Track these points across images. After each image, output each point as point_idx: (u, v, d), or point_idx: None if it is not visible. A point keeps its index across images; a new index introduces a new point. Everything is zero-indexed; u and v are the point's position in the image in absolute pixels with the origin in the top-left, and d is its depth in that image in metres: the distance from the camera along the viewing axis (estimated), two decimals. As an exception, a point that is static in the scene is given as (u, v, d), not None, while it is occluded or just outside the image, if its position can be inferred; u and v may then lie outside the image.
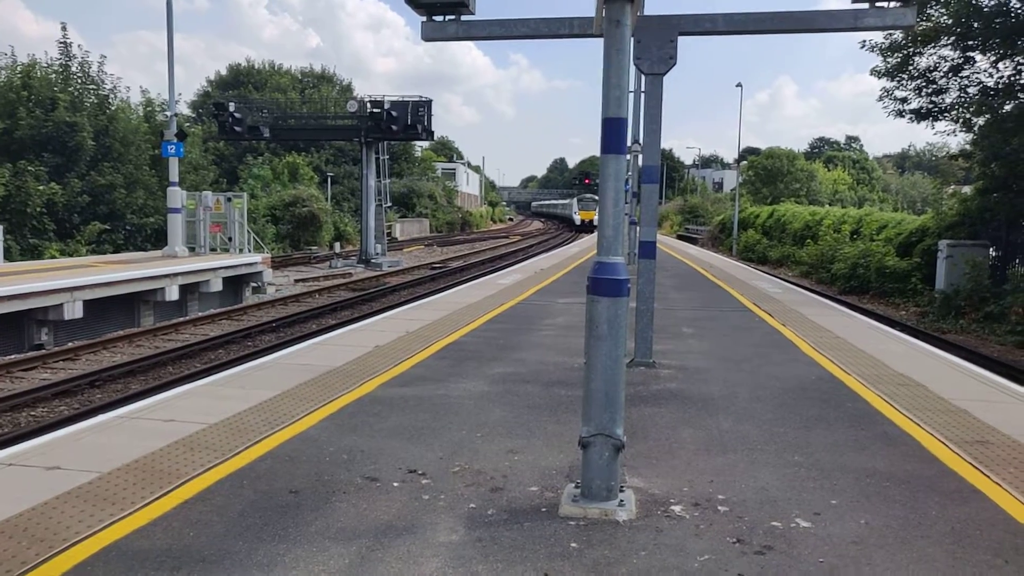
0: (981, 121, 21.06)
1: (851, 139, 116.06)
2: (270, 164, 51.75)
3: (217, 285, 21.69)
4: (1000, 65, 20.43)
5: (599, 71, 4.58)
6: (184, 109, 56.38)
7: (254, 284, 24.59)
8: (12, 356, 14.03)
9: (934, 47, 21.52)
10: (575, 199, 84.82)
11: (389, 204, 40.26)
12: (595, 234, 5.51)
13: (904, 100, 23.19)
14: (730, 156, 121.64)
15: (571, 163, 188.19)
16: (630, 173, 27.38)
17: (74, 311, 15.97)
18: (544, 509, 4.59)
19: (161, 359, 13.99)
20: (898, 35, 21.68)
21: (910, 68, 22.44)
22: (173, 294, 19.51)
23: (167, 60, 23.54)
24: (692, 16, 8.76)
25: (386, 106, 34.44)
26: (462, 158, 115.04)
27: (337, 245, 43.55)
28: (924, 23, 20.61)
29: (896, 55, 22.48)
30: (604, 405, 4.52)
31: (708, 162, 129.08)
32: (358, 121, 36.07)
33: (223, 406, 6.69)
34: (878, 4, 8.37)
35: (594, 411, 4.54)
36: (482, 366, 8.70)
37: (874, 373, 8.56)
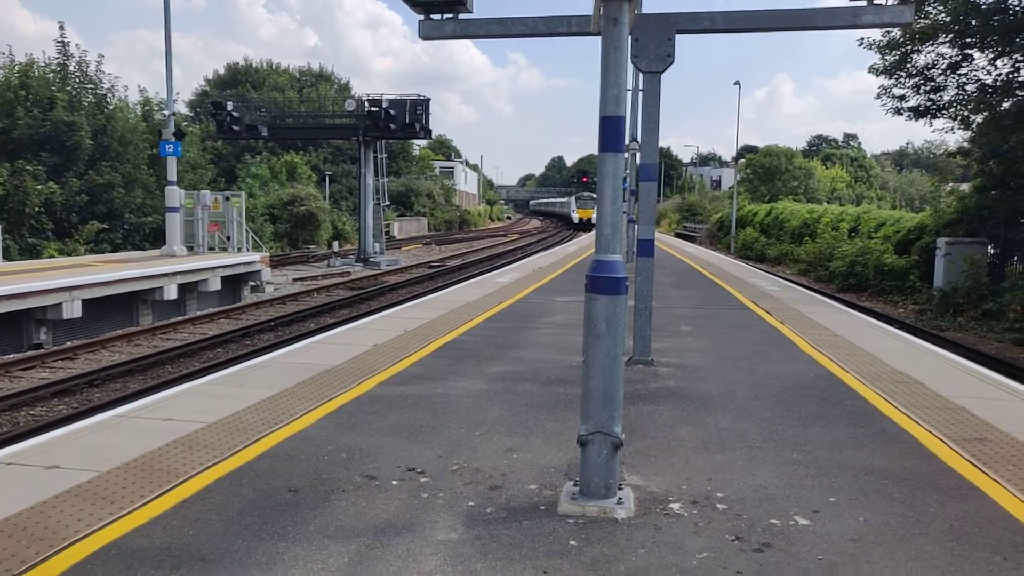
0: (979, 119, 21.06)
1: (849, 137, 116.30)
2: (268, 163, 51.71)
3: (215, 284, 21.68)
4: (998, 62, 20.44)
5: (597, 69, 4.58)
6: (182, 108, 56.29)
7: (252, 283, 24.58)
8: (11, 355, 14.02)
9: (932, 44, 21.52)
10: (573, 197, 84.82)
11: (387, 203, 40.26)
12: (593, 232, 5.52)
13: (902, 98, 23.19)
14: (728, 154, 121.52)
15: (569, 161, 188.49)
16: (628, 171, 27.38)
17: (73, 310, 15.96)
18: (543, 507, 4.59)
19: (160, 358, 13.98)
20: (896, 33, 21.68)
21: (908, 66, 22.44)
22: (171, 293, 19.50)
23: (165, 59, 23.55)
24: (690, 14, 8.76)
25: (384, 105, 34.41)
26: (460, 157, 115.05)
27: (335, 244, 43.57)
28: (922, 21, 20.60)
29: (894, 53, 22.48)
30: (603, 403, 4.53)
31: (706, 160, 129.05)
32: (356, 120, 36.04)
33: (222, 405, 6.69)
34: (876, 2, 8.36)
35: (592, 409, 4.54)
36: (480, 364, 8.70)
37: (872, 371, 8.57)
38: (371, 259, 35.07)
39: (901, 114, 23.38)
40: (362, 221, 36.51)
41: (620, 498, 4.57)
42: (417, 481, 4.98)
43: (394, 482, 4.96)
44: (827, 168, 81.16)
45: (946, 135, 63.17)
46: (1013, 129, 18.57)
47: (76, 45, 31.95)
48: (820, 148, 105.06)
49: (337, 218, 48.65)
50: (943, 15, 20.67)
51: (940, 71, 21.95)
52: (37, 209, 25.59)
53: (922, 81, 22.47)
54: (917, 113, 22.94)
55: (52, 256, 24.80)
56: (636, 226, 11.27)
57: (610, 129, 4.58)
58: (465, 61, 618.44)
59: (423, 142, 72.90)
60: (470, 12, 8.98)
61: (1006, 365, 13.11)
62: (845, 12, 8.54)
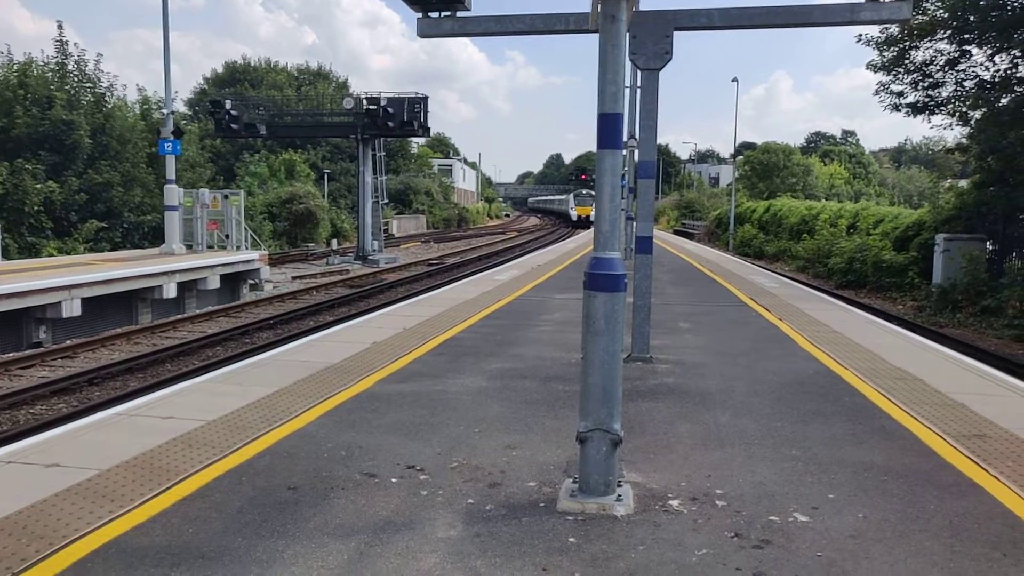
0: (978, 115, 21.07)
1: (847, 133, 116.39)
2: (267, 161, 51.73)
3: (215, 282, 21.67)
4: (996, 58, 20.43)
5: (595, 67, 4.58)
6: (181, 107, 56.26)
7: (251, 281, 24.58)
8: (11, 354, 14.01)
9: (930, 41, 21.52)
10: (571, 195, 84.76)
11: (386, 201, 40.26)
12: (592, 230, 5.50)
13: (900, 94, 23.19)
14: (726, 151, 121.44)
15: (567, 159, 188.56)
16: (626, 168, 27.38)
17: (72, 309, 15.96)
18: (542, 504, 4.60)
19: (159, 356, 13.98)
20: (894, 29, 21.70)
21: (906, 62, 22.44)
22: (171, 292, 19.50)
23: (163, 58, 23.56)
24: (687, 11, 8.76)
25: (382, 103, 34.38)
26: (458, 154, 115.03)
27: (334, 242, 43.54)
28: (920, 17, 20.60)
29: (892, 49, 22.47)
30: (601, 400, 4.53)
31: (704, 157, 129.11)
32: (354, 118, 36.02)
33: (221, 403, 6.69)
34: (874, -2, 8.37)
35: (591, 406, 4.55)
36: (479, 362, 8.71)
37: (871, 367, 8.58)
38: (370, 257, 35.07)
39: (899, 110, 23.41)
40: (361, 219, 36.50)
41: (619, 495, 4.58)
42: (416, 479, 4.99)
43: (393, 480, 4.96)
44: (825, 165, 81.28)
45: (944, 131, 63.22)
46: (1011, 125, 18.58)
47: (75, 44, 32.05)
48: (818, 145, 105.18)
49: (336, 216, 48.63)
50: (941, 11, 20.67)
51: (938, 67, 21.96)
52: (36, 208, 25.57)
53: (920, 77, 22.48)
54: (915, 109, 22.94)
55: (51, 255, 24.78)
56: (634, 223, 11.28)
57: (608, 126, 4.58)
58: (463, 59, 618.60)
59: (421, 140, 73.16)
60: (468, 10, 8.98)
61: (1005, 361, 13.11)
62: (843, 8, 8.54)
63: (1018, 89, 19.50)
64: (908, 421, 6.41)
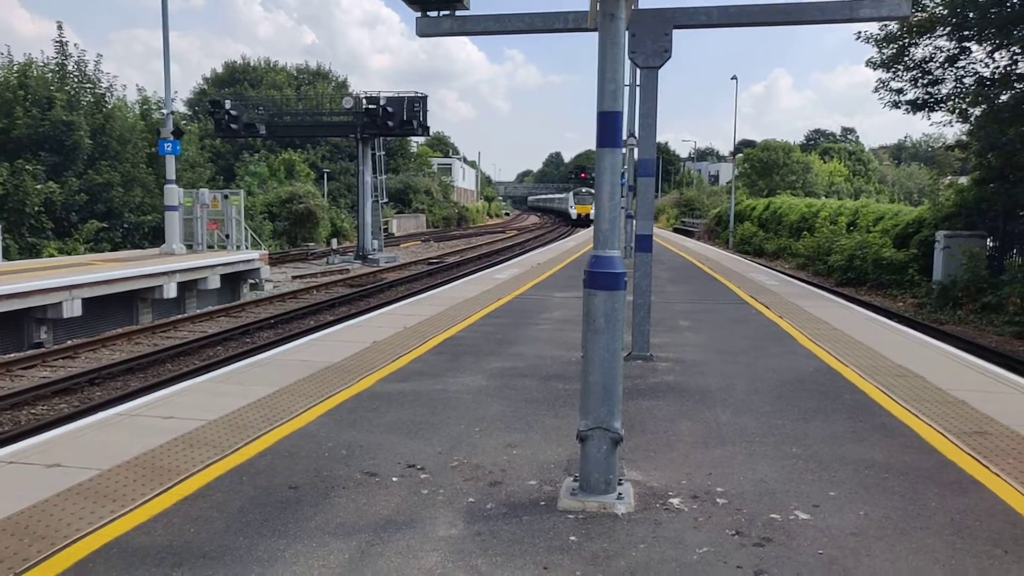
0: (977, 111, 21.05)
1: (847, 131, 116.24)
2: (266, 161, 51.74)
3: (215, 282, 21.67)
4: (996, 55, 20.43)
5: (594, 65, 4.58)
6: (180, 107, 56.30)
7: (252, 281, 24.58)
8: (12, 354, 14.02)
9: (930, 38, 21.51)
10: (571, 193, 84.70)
11: (385, 200, 40.24)
12: (591, 228, 5.50)
13: (900, 91, 23.18)
14: (726, 149, 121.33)
15: (567, 157, 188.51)
16: (626, 167, 27.38)
17: (73, 309, 15.96)
18: (543, 503, 4.60)
19: (160, 356, 13.98)
20: (894, 26, 21.68)
21: (906, 59, 22.43)
22: (171, 292, 19.50)
23: (163, 58, 23.54)
24: (686, 9, 8.76)
25: (382, 102, 34.37)
26: (458, 153, 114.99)
27: (334, 241, 43.57)
28: (919, 14, 20.59)
29: (892, 46, 22.46)
30: (602, 398, 4.53)
31: (704, 155, 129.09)
32: (354, 117, 36.01)
33: (222, 403, 6.70)
34: (873, -5, 8.37)
35: (592, 405, 4.55)
36: (480, 361, 8.71)
37: (872, 364, 8.58)
38: (370, 256, 35.07)
39: (899, 107, 23.38)
40: (361, 218, 36.50)
41: (620, 493, 4.58)
42: (417, 477, 4.99)
43: (394, 479, 4.96)
44: (825, 162, 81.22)
45: (944, 128, 63.39)
46: (1011, 122, 18.57)
47: (74, 45, 32.08)
48: (818, 142, 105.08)
49: (336, 215, 48.64)
50: (940, 8, 20.67)
51: (938, 64, 21.95)
52: (37, 208, 25.58)
53: (920, 74, 22.47)
54: (915, 106, 22.93)
55: (52, 255, 24.79)
56: (634, 221, 11.28)
57: (608, 125, 4.58)
58: (462, 58, 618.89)
59: (421, 139, 73.20)
60: (467, 9, 8.99)
61: (1005, 358, 13.11)
62: (842, 6, 8.54)
63: (1018, 86, 19.49)
64: (909, 418, 6.41)
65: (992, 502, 4.63)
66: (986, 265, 19.51)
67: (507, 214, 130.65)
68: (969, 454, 5.47)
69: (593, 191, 4.70)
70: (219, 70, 68.87)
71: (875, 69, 23.33)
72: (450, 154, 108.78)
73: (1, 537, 4.03)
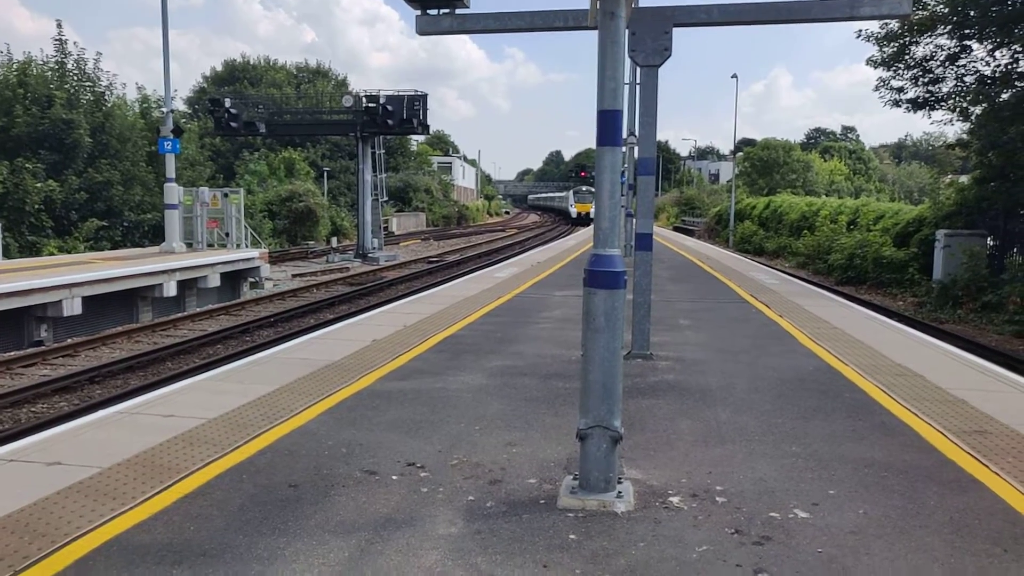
0: (978, 110, 21.05)
1: (847, 129, 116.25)
2: (266, 159, 51.72)
3: (215, 281, 21.68)
4: (997, 53, 20.43)
5: (594, 64, 4.58)
6: (180, 105, 56.22)
7: (252, 279, 24.59)
8: (12, 352, 14.02)
9: (930, 36, 21.51)
10: (571, 192, 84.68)
11: (385, 198, 40.22)
12: (591, 227, 5.51)
13: (900, 89, 23.18)
14: (726, 147, 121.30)
15: (567, 156, 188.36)
16: (626, 165, 27.38)
17: (73, 307, 15.97)
18: (543, 501, 4.60)
19: (160, 355, 13.99)
20: (894, 24, 21.68)
21: (906, 57, 22.43)
22: (171, 290, 19.50)
23: (162, 56, 23.54)
24: (686, 7, 8.76)
25: (381, 100, 34.37)
26: (458, 152, 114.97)
27: (334, 240, 43.59)
28: (920, 12, 20.60)
29: (892, 44, 22.46)
30: (602, 397, 4.53)
31: (704, 154, 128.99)
32: (354, 116, 36.02)
33: (222, 401, 6.70)
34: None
35: (592, 403, 4.55)
36: (480, 359, 8.71)
37: (872, 363, 8.58)
38: (370, 255, 35.07)
39: (899, 106, 23.39)
40: (360, 217, 36.50)
41: (620, 492, 4.58)
42: (417, 476, 4.99)
43: (394, 477, 4.97)
44: (825, 161, 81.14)
45: (945, 127, 63.42)
46: (1012, 120, 18.56)
47: (74, 43, 32.14)
48: (818, 141, 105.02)
49: (336, 214, 48.64)
50: (941, 6, 20.67)
51: (938, 63, 21.95)
52: (37, 207, 25.57)
53: (920, 73, 22.47)
54: (916, 105, 22.93)
55: (52, 254, 24.79)
56: (634, 220, 11.28)
57: (608, 123, 4.58)
58: (462, 56, 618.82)
59: (421, 138, 73.02)
60: (467, 7, 9.00)
61: (1006, 357, 13.11)
62: (843, 4, 8.53)
63: (1019, 84, 19.49)
64: (909, 417, 6.41)
65: (992, 501, 4.63)
66: (986, 264, 19.51)
67: (507, 213, 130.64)
68: (969, 453, 5.47)
69: (593, 190, 4.70)
70: (219, 68, 68.93)
71: (876, 67, 23.36)
72: (450, 153, 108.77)
73: (2, 535, 4.03)
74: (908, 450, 5.57)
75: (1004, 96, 19.81)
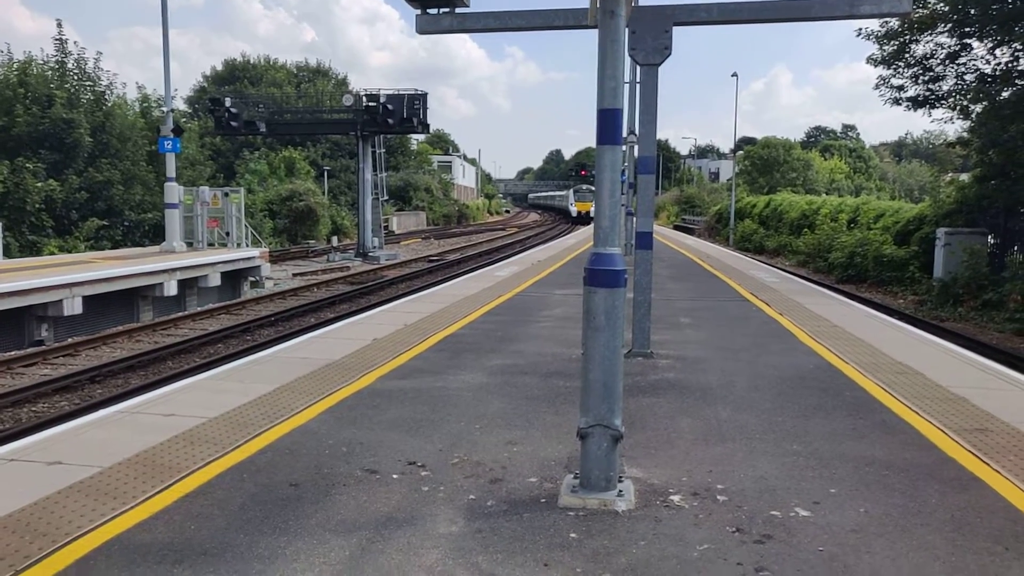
0: (978, 108, 21.04)
1: (847, 128, 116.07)
2: (267, 159, 51.70)
3: (215, 280, 21.68)
4: (997, 52, 20.42)
5: (594, 62, 4.58)
6: (180, 105, 56.18)
7: (252, 278, 24.60)
8: (12, 352, 14.03)
9: (931, 34, 21.49)
10: (571, 190, 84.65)
11: (386, 197, 40.24)
12: (592, 225, 5.52)
13: (901, 88, 23.18)
14: (726, 146, 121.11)
15: (567, 154, 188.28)
16: (626, 164, 27.36)
17: (73, 307, 15.98)
18: (543, 500, 4.60)
19: (160, 354, 14.00)
20: (894, 23, 21.66)
21: (907, 56, 22.41)
22: (172, 289, 19.50)
23: (163, 55, 23.53)
24: (686, 6, 8.75)
25: (382, 99, 34.38)
26: (458, 151, 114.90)
27: (334, 239, 43.57)
28: (920, 10, 20.58)
29: (892, 43, 22.45)
30: (602, 396, 4.53)
31: (704, 152, 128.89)
32: (354, 115, 36.03)
33: (223, 400, 6.70)
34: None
35: (592, 402, 4.55)
36: (480, 358, 8.71)
37: (872, 361, 8.58)
38: (370, 254, 35.08)
39: (900, 104, 23.38)
40: (361, 216, 36.51)
41: (620, 490, 4.58)
42: (418, 475, 4.99)
43: (395, 476, 4.97)
44: (826, 159, 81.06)
45: (945, 125, 63.02)
46: (1012, 118, 18.55)
47: (74, 42, 32.18)
48: (818, 139, 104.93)
49: (336, 213, 48.64)
50: (942, 4, 20.66)
51: (939, 61, 21.94)
52: (37, 206, 25.59)
53: (921, 71, 22.46)
54: (916, 103, 22.92)
55: (52, 253, 24.80)
56: (634, 219, 11.27)
57: (608, 122, 4.57)
58: (462, 55, 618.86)
59: (421, 137, 72.91)
60: (467, 6, 9.00)
61: (1006, 355, 13.11)
62: (843, 2, 8.53)
63: (1019, 82, 19.48)
64: (909, 415, 6.41)
65: (993, 499, 4.63)
66: (987, 262, 19.51)
67: (507, 212, 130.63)
68: (970, 451, 5.47)
69: (593, 188, 4.70)
70: (219, 68, 68.87)
71: (876, 66, 23.34)
72: (450, 151, 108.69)
73: (3, 534, 4.03)
74: (909, 448, 5.56)
75: (1004, 94, 19.80)
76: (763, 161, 67.92)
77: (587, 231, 47.98)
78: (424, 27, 9.16)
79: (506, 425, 6.12)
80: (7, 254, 22.91)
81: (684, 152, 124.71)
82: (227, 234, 26.58)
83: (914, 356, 8.91)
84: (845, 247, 27.10)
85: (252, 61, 68.37)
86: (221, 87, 58.90)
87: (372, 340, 9.66)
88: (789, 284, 17.94)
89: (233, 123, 35.34)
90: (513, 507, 4.49)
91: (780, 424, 6.18)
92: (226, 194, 27.01)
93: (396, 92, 35.09)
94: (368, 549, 3.93)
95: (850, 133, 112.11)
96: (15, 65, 28.90)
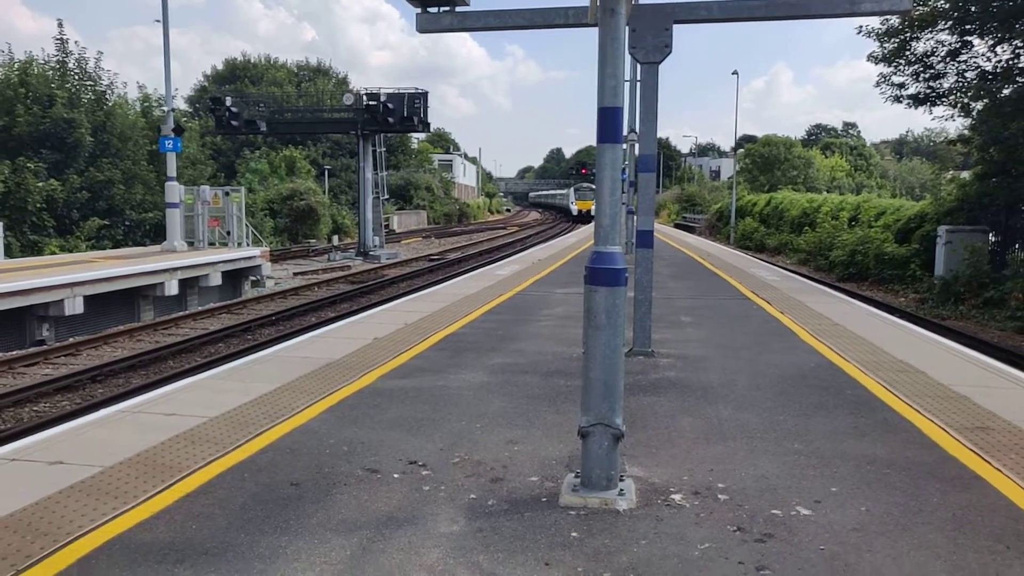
0: (979, 106, 21.01)
1: (848, 125, 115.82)
2: (267, 158, 51.68)
3: (216, 279, 21.69)
4: (998, 49, 20.40)
5: (595, 61, 4.57)
6: (181, 104, 56.17)
7: (253, 278, 24.60)
8: (14, 352, 14.04)
9: (931, 32, 21.47)
10: (572, 189, 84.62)
11: (386, 196, 40.24)
12: (592, 224, 5.51)
13: (901, 85, 23.15)
14: (727, 144, 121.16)
15: (568, 153, 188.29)
16: (627, 162, 27.35)
17: (75, 306, 15.99)
18: (544, 499, 4.60)
19: (161, 353, 14.00)
20: (895, 20, 21.65)
21: (907, 53, 22.39)
22: (173, 289, 19.51)
23: (163, 55, 23.54)
24: (687, 4, 8.74)
25: (382, 98, 34.38)
26: (459, 150, 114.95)
27: (335, 238, 43.54)
28: (921, 8, 20.56)
29: (893, 40, 22.42)
30: (603, 395, 4.53)
31: (705, 150, 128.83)
32: (354, 114, 36.02)
33: (224, 399, 6.70)
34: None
35: (593, 401, 4.55)
36: (481, 357, 8.71)
37: (873, 360, 8.57)
38: (371, 253, 35.07)
39: (900, 102, 23.37)
40: (362, 215, 36.50)
41: (621, 489, 4.58)
42: (419, 474, 4.99)
43: (396, 475, 4.97)
44: (826, 157, 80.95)
45: (946, 123, 63.21)
46: (1014, 116, 18.53)
47: (75, 42, 32.19)
48: (819, 137, 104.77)
49: (337, 212, 48.65)
50: (942, 2, 20.64)
51: (939, 58, 21.92)
52: (38, 206, 25.60)
53: (921, 68, 22.44)
54: (917, 101, 22.91)
55: (54, 253, 24.82)
56: (635, 217, 11.27)
57: (608, 120, 4.57)
58: (463, 54, 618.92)
59: (422, 135, 72.96)
60: (467, 5, 8.99)
61: (1008, 353, 13.10)
62: (843, 0, 8.52)
63: (1020, 80, 19.45)
64: (911, 414, 6.40)
65: (994, 498, 4.62)
66: (988, 260, 19.50)
67: (508, 210, 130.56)
68: (971, 449, 5.46)
69: (594, 187, 4.70)
70: (219, 67, 68.79)
71: (876, 64, 23.32)
72: (451, 150, 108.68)
73: (4, 534, 4.03)
74: (910, 447, 5.56)
75: (1005, 92, 19.77)
76: (764, 159, 67.83)
77: (588, 230, 47.97)
78: (424, 26, 9.16)
79: (507, 424, 6.11)
80: (8, 254, 22.91)
81: (685, 150, 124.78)
82: (228, 233, 26.58)
83: (915, 354, 8.91)
84: (846, 245, 27.08)
85: (253, 60, 68.36)
86: (222, 86, 58.88)
87: (373, 339, 9.66)
88: (790, 282, 17.92)
89: (234, 122, 35.34)
90: (514, 506, 4.49)
91: (781, 423, 6.18)
92: (227, 193, 27.00)
93: (397, 91, 35.09)
94: (369, 548, 3.93)
95: (851, 131, 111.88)
96: (16, 65, 28.94)
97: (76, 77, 30.30)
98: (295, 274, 28.95)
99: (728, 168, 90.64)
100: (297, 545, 3.96)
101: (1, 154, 26.22)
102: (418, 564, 3.77)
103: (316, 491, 4.69)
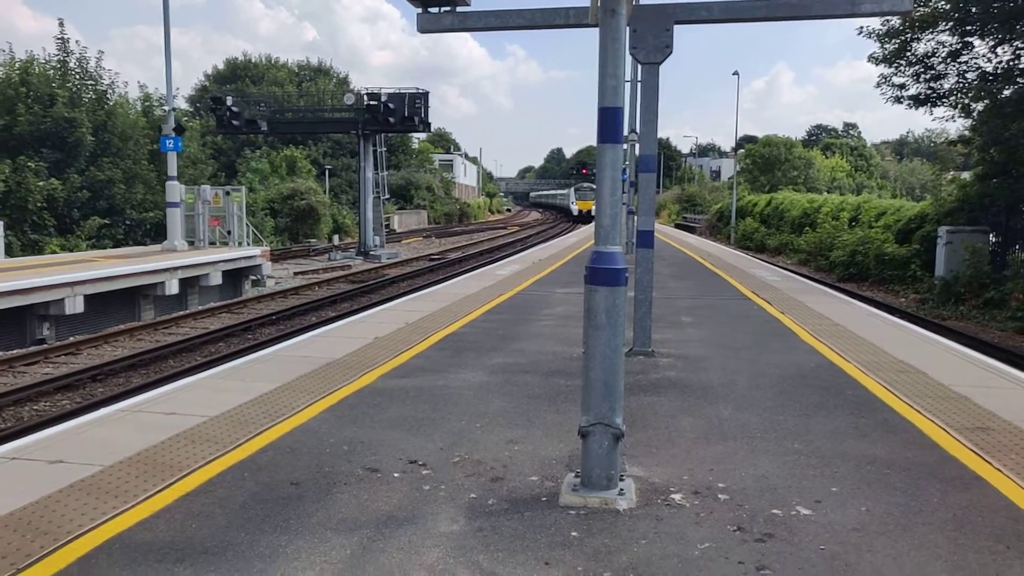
0: (980, 107, 21.03)
1: (849, 126, 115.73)
2: (268, 157, 51.69)
3: (217, 279, 21.69)
4: (999, 50, 20.41)
5: (595, 61, 4.57)
6: (182, 103, 56.28)
7: (253, 277, 24.60)
8: (14, 351, 14.03)
9: (932, 32, 21.48)
10: (572, 189, 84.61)
11: (387, 196, 40.23)
12: (593, 224, 5.52)
13: (902, 86, 23.16)
14: (727, 144, 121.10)
15: (568, 153, 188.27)
16: (627, 162, 27.35)
17: (75, 306, 15.99)
18: (544, 499, 4.60)
19: (162, 353, 14.00)
20: (895, 21, 21.65)
21: (908, 54, 22.40)
22: (173, 288, 19.51)
23: (164, 55, 23.52)
24: (687, 4, 8.74)
25: (383, 98, 34.38)
26: (459, 150, 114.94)
27: (336, 237, 43.55)
28: (922, 8, 20.57)
29: (894, 41, 22.43)
30: (603, 394, 4.53)
31: (705, 151, 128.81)
32: (355, 114, 36.03)
33: (224, 399, 6.70)
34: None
35: (593, 400, 4.55)
36: (481, 356, 8.71)
37: (874, 360, 8.57)
38: (371, 252, 35.08)
39: (901, 102, 23.38)
40: (362, 215, 36.50)
41: (621, 489, 4.58)
42: (419, 473, 4.99)
43: (396, 474, 4.97)
44: (827, 158, 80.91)
45: (947, 123, 63.24)
46: (1014, 117, 18.53)
47: (76, 42, 32.24)
48: (820, 137, 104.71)
49: (337, 212, 48.65)
50: (943, 3, 20.65)
51: (940, 59, 21.92)
52: (39, 205, 25.61)
53: (922, 69, 22.44)
54: (917, 101, 22.91)
55: (54, 252, 24.82)
56: (635, 217, 11.27)
57: (609, 120, 4.57)
58: (463, 54, 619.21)
59: (422, 135, 72.91)
60: (468, 5, 9.00)
61: (1008, 353, 13.10)
62: (844, 1, 8.52)
63: (1021, 80, 19.46)
64: (911, 414, 6.40)
65: (994, 498, 4.62)
66: (988, 260, 19.50)
67: (508, 210, 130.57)
68: (971, 450, 5.46)
69: (594, 187, 4.70)
70: (220, 67, 68.78)
71: (877, 64, 23.33)
72: (451, 150, 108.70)
73: (4, 533, 4.04)
74: (910, 447, 5.56)
75: (1006, 92, 19.78)
76: (764, 159, 67.82)
77: (588, 230, 47.96)
78: (425, 26, 9.17)
79: (507, 424, 6.11)
80: (9, 253, 22.92)
81: (685, 151, 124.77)
82: (228, 233, 26.59)
83: (916, 355, 8.91)
84: (846, 246, 27.07)
85: (253, 60, 68.35)
86: (222, 86, 58.89)
87: (373, 339, 9.66)
88: (790, 283, 17.92)
89: (234, 122, 35.36)
90: (514, 506, 4.49)
91: (781, 423, 6.18)
92: (227, 193, 27.02)
93: (397, 91, 35.10)
94: (369, 548, 3.93)
95: (851, 131, 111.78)
96: (17, 64, 28.94)
97: (77, 76, 30.31)
98: (295, 273, 28.95)
99: (728, 168, 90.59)
100: (297, 544, 3.96)
101: (2, 153, 26.24)
102: (418, 563, 3.77)
103: (316, 490, 4.69)
